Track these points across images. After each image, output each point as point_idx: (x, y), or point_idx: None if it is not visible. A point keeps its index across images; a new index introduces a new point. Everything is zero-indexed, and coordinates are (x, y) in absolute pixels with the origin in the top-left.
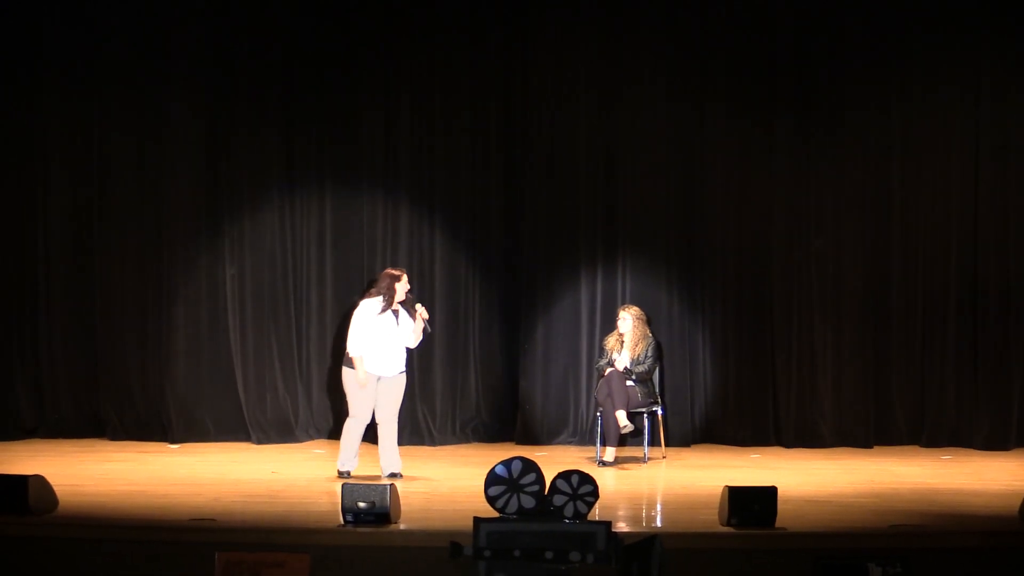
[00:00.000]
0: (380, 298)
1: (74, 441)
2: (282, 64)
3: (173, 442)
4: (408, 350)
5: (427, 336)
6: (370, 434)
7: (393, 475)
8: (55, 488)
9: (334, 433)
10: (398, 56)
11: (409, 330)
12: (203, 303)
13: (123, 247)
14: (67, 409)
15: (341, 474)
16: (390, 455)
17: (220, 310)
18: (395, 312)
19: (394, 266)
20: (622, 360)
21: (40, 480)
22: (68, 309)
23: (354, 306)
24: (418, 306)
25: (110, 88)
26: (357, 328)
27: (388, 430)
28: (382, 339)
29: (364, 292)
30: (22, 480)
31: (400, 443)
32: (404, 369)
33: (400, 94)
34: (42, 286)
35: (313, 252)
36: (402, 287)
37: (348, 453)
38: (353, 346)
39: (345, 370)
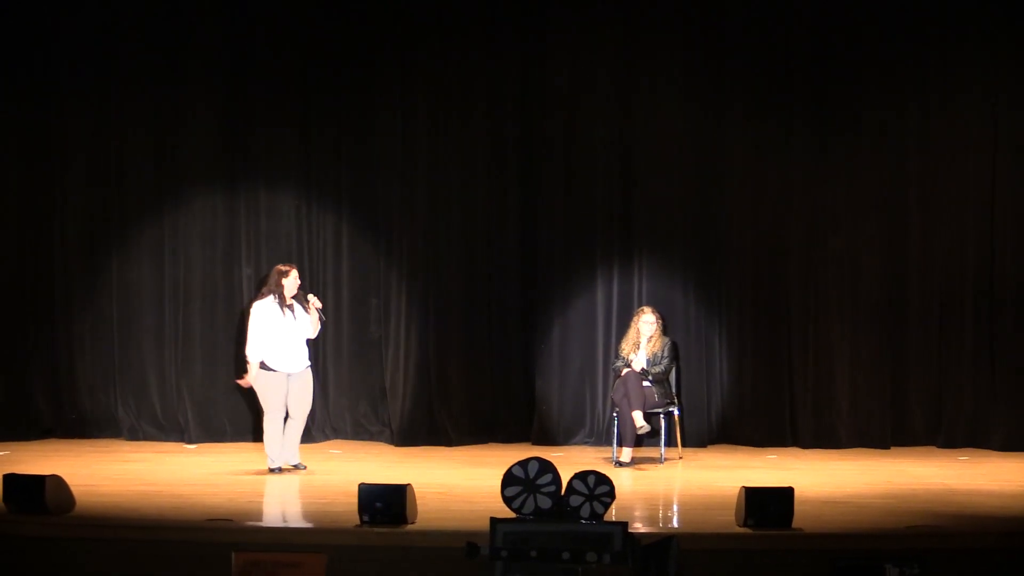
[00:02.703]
0: (272, 297)
1: (91, 441)
2: (299, 64)
3: (190, 442)
4: (309, 343)
5: (323, 324)
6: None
7: (297, 466)
8: (72, 488)
9: (351, 433)
10: (414, 56)
11: (307, 323)
12: (220, 303)
13: (140, 247)
14: (84, 409)
15: (272, 471)
16: (295, 448)
17: (236, 310)
18: (290, 307)
19: (285, 262)
20: (639, 361)
21: (57, 480)
22: (85, 309)
23: (249, 307)
24: (310, 296)
25: (127, 88)
26: (253, 331)
27: (299, 425)
28: (283, 336)
29: (257, 293)
30: (39, 480)
31: (417, 443)
32: (310, 363)
33: (416, 95)
34: (59, 285)
35: (329, 252)
36: (291, 282)
37: (274, 450)
38: (250, 351)
39: (253, 370)
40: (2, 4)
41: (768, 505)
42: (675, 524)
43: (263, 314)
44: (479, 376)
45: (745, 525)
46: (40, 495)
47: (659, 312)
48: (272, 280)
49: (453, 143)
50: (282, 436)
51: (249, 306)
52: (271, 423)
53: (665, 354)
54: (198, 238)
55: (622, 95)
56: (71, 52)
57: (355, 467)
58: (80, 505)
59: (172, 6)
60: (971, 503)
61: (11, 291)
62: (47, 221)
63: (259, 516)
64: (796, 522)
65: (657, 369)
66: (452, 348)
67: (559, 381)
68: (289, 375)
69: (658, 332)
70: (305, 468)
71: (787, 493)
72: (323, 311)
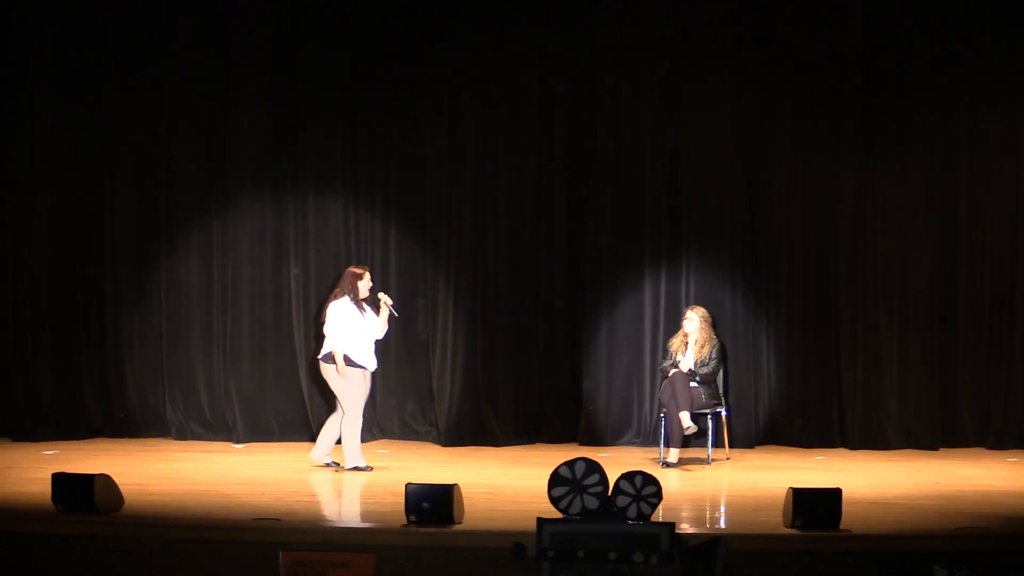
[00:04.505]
0: (348, 297)
1: (140, 440)
2: (347, 64)
3: (238, 442)
4: (377, 343)
5: (395, 321)
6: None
7: (358, 468)
8: (121, 487)
9: (398, 433)
10: (462, 56)
11: (377, 324)
12: (268, 303)
13: (188, 247)
14: (133, 409)
15: (361, 469)
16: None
17: (284, 310)
18: (362, 309)
19: (357, 264)
20: (686, 361)
21: (106, 479)
22: (134, 309)
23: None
24: (381, 295)
25: (176, 88)
26: (337, 328)
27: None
28: (363, 336)
29: (331, 292)
30: (88, 479)
31: (464, 443)
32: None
33: (464, 95)
34: (108, 286)
35: (377, 252)
36: (364, 285)
37: (358, 449)
38: (336, 346)
39: (331, 367)
40: (53, 3)
41: (816, 506)
42: (722, 525)
43: (343, 312)
44: (526, 376)
45: (793, 526)
46: (89, 494)
47: (708, 312)
48: (346, 282)
49: (501, 143)
50: (330, 431)
51: (322, 307)
52: (356, 421)
53: (713, 355)
54: (246, 238)
55: (670, 94)
56: (121, 52)
57: (402, 467)
58: (129, 504)
59: (222, 6)
60: (1020, 505)
61: (61, 291)
62: (97, 221)
63: (307, 516)
64: (844, 523)
65: (705, 370)
66: (499, 348)
67: (606, 381)
68: (365, 372)
69: (707, 334)
70: (339, 465)
71: (835, 494)
72: (393, 307)
